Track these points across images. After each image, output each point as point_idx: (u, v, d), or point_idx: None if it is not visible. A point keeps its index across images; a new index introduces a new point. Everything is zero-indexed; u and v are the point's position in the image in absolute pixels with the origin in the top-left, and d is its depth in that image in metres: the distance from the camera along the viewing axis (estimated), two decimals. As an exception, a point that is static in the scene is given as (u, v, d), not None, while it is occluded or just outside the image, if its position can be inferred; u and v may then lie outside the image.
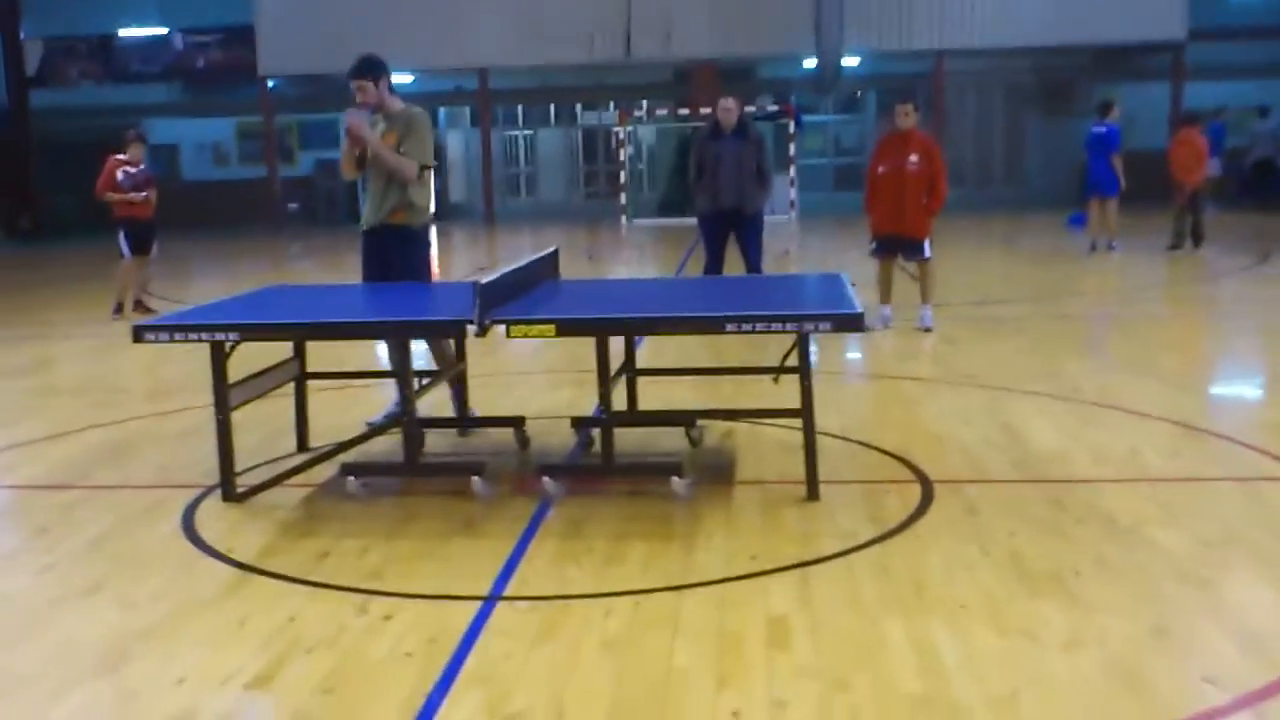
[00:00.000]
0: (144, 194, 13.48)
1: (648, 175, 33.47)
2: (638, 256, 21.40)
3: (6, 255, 26.50)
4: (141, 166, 13.60)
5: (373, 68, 7.16)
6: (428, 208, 7.35)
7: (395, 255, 7.28)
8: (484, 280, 5.34)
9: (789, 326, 5.43)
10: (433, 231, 7.57)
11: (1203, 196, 17.49)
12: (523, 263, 6.40)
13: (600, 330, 5.68)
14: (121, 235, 13.46)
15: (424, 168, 7.20)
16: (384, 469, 6.27)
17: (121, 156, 13.52)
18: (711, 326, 5.58)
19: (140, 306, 13.58)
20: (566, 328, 5.52)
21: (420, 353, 7.32)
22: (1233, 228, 20.66)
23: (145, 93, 31.92)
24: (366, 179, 7.34)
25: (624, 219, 27.82)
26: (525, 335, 5.36)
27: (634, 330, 6.19)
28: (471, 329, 5.33)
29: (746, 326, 5.36)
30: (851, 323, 5.35)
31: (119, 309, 13.47)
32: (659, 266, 19.05)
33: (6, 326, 13.77)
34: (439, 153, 33.14)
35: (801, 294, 6.93)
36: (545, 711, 3.65)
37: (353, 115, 7.07)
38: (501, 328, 5.41)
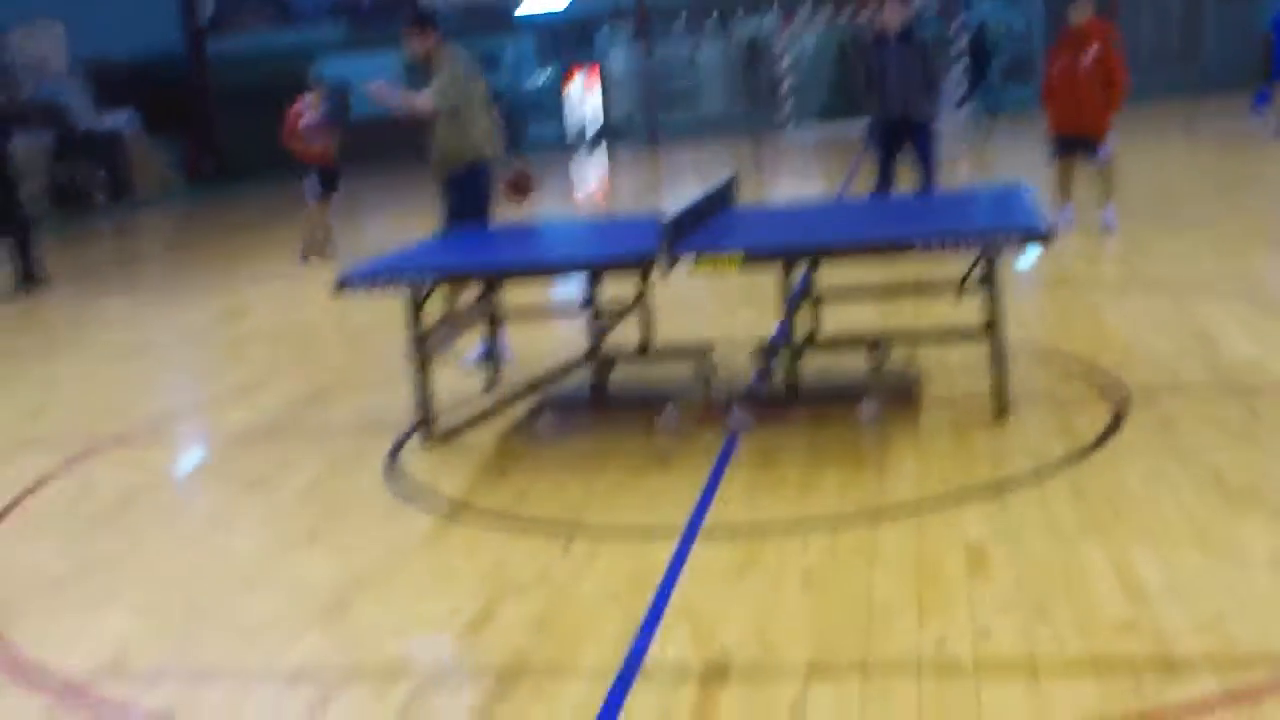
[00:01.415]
0: (322, 142, 13.84)
1: (810, 81, 32.93)
2: (805, 167, 21.22)
3: (192, 200, 27.52)
4: (319, 113, 13.94)
5: (415, 21, 7.57)
6: (464, 149, 7.62)
7: (450, 199, 7.73)
8: (667, 217, 5.41)
9: (976, 243, 5.38)
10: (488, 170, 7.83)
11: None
12: (700, 194, 6.44)
13: (784, 257, 5.70)
14: (305, 180, 13.87)
15: (442, 108, 7.46)
16: (578, 404, 6.42)
17: (303, 104, 13.95)
18: (897, 247, 5.56)
19: (323, 251, 14.01)
20: (752, 256, 5.54)
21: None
22: None
23: (315, 32, 32.63)
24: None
25: (788, 129, 27.54)
26: (712, 266, 5.42)
27: (819, 255, 6.18)
28: (660, 265, 5.41)
29: (935, 244, 5.34)
30: (1039, 236, 5.27)
31: (305, 255, 13.94)
32: (826, 177, 18.85)
33: (201, 274, 14.38)
34: (602, 72, 33.22)
35: (984, 208, 6.81)
36: (753, 646, 3.75)
37: (371, 86, 7.56)
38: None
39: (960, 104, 27.96)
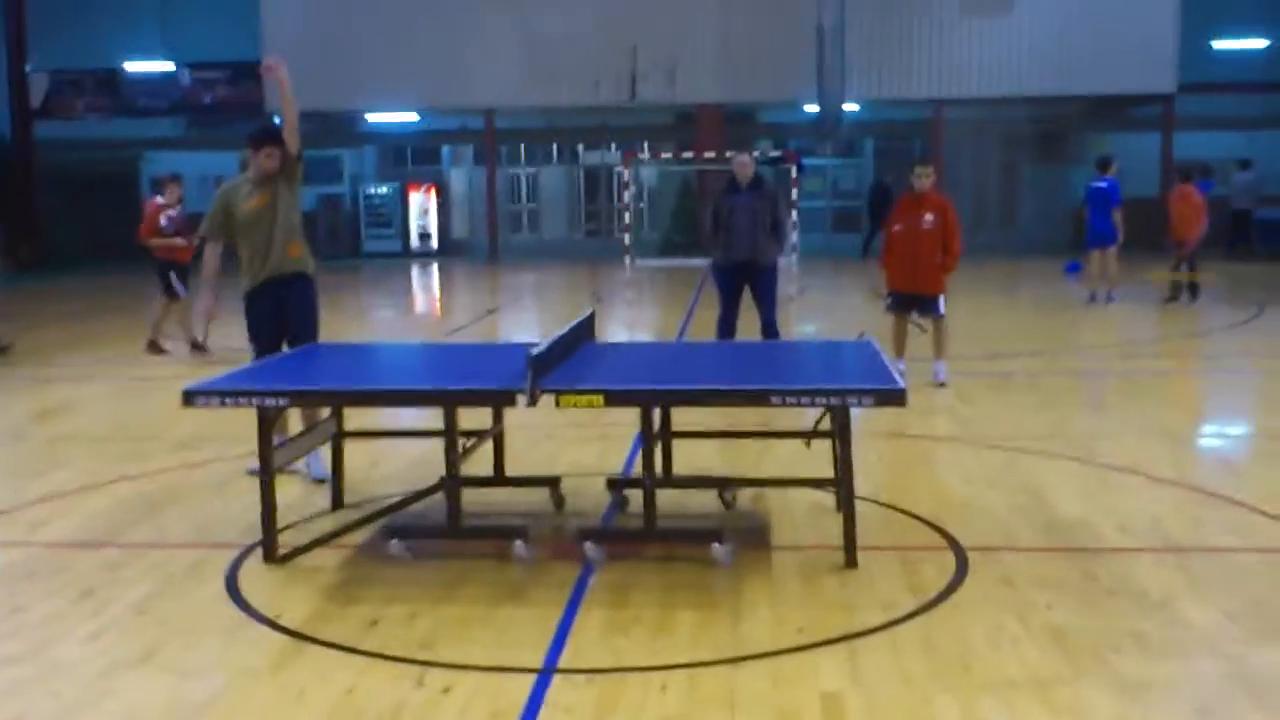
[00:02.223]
0: (186, 239, 13.65)
1: (649, 216, 33.73)
2: (643, 298, 21.53)
3: (10, 287, 26.47)
4: (180, 209, 13.77)
5: (277, 138, 7.60)
6: (307, 260, 7.81)
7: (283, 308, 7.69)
8: (534, 353, 5.44)
9: (833, 401, 5.54)
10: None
11: (1197, 251, 17.73)
12: (565, 329, 6.50)
13: (648, 400, 5.79)
14: (172, 275, 13.63)
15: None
16: (427, 531, 6.33)
17: (161, 200, 13.76)
18: (757, 399, 5.70)
19: (155, 347, 13.68)
20: (615, 398, 5.62)
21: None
22: (1226, 278, 20.93)
23: (151, 126, 32.05)
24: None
25: (628, 260, 27.99)
26: (574, 405, 5.46)
27: (681, 401, 6.31)
28: (522, 399, 5.43)
29: (791, 400, 5.48)
30: (894, 398, 5.45)
31: (195, 345, 13.53)
32: (665, 310, 19.16)
33: (25, 366, 13.74)
34: (443, 190, 33.53)
35: (838, 364, 7.02)
36: (614, 793, 3.71)
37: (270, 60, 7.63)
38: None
39: (863, 253, 28.92)
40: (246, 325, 7.76)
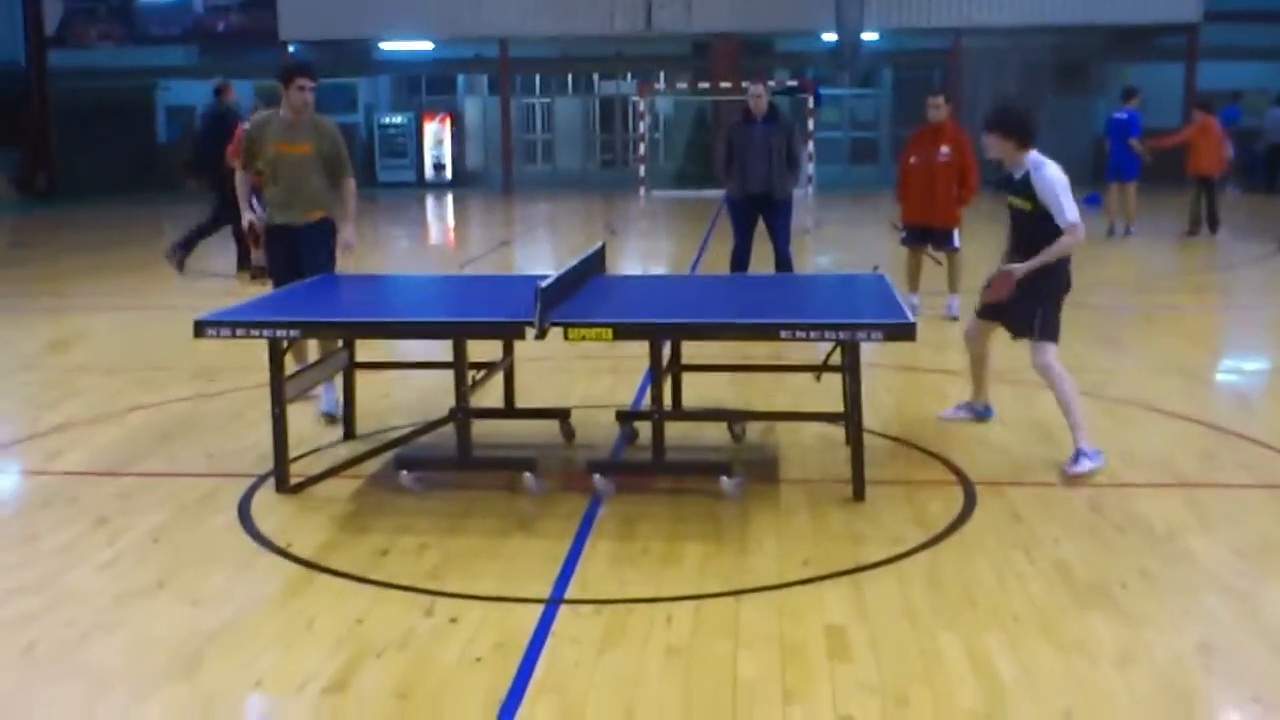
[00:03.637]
0: None
1: (664, 147, 33.53)
2: (657, 230, 21.45)
3: (24, 215, 26.52)
4: None
5: (312, 73, 7.58)
6: (331, 202, 7.83)
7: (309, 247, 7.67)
8: (542, 285, 5.43)
9: (842, 335, 5.53)
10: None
11: (1218, 183, 17.59)
12: (575, 261, 6.49)
13: (656, 334, 5.78)
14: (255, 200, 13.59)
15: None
16: (438, 463, 6.36)
17: (247, 124, 13.71)
18: (766, 333, 5.71)
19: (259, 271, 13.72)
20: (623, 332, 5.62)
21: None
22: (1246, 212, 20.75)
23: (164, 55, 31.86)
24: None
25: (643, 191, 27.82)
26: (583, 339, 5.46)
27: (689, 335, 6.31)
28: (530, 332, 5.44)
29: (801, 334, 5.47)
30: (904, 332, 5.44)
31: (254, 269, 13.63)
32: (679, 242, 19.09)
33: (39, 295, 13.80)
34: (458, 119, 33.35)
35: (849, 298, 7.00)
36: (620, 723, 3.75)
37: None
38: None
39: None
40: (265, 259, 7.88)
